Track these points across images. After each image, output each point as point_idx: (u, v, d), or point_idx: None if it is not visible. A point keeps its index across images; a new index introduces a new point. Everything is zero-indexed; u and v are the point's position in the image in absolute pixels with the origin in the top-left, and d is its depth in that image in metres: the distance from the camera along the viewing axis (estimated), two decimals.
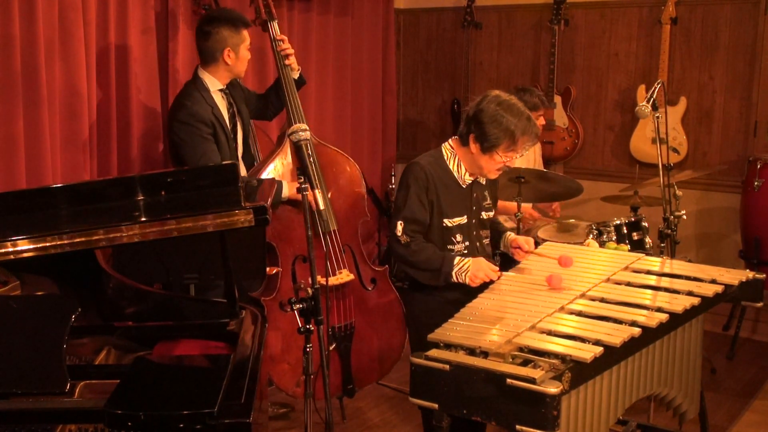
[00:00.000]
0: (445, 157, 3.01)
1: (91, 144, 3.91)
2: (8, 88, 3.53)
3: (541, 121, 4.57)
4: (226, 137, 3.52)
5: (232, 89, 3.65)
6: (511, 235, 3.19)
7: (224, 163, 3.32)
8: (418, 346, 2.51)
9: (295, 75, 3.75)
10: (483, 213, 3.09)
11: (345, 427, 3.87)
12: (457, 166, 2.99)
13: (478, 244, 3.08)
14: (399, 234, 2.96)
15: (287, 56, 3.68)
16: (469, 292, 2.88)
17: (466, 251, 3.02)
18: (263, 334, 2.39)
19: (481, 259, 2.96)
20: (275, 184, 3.13)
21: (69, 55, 3.74)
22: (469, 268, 2.90)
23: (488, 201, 3.12)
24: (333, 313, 3.58)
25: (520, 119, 2.85)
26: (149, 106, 4.18)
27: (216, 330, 2.45)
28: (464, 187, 3.01)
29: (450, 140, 3.05)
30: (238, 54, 3.54)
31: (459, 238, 3.01)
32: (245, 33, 3.56)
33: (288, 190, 3.48)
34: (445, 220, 2.98)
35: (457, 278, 2.91)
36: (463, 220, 3.01)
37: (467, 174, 3.00)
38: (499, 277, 2.94)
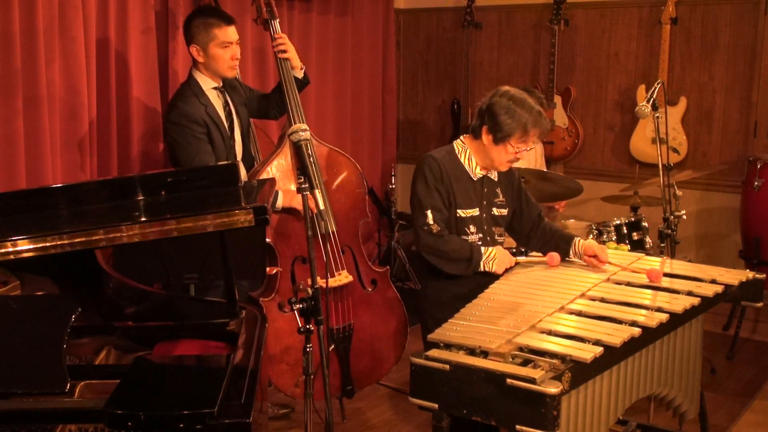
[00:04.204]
0: (457, 151, 3.09)
1: (91, 144, 3.91)
2: (8, 87, 3.54)
3: None
4: (222, 136, 3.51)
5: (231, 91, 3.64)
6: (582, 242, 3.11)
7: (224, 163, 3.32)
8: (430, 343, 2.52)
9: (299, 74, 3.72)
10: (495, 209, 3.14)
11: (345, 427, 3.87)
12: (468, 159, 3.07)
13: (489, 238, 3.12)
14: (431, 222, 2.98)
15: (282, 53, 3.65)
16: (478, 287, 2.91)
17: (480, 242, 3.08)
18: (263, 334, 2.39)
19: (500, 248, 3.07)
20: (275, 185, 3.13)
21: (69, 54, 3.74)
22: (496, 256, 3.02)
23: (501, 198, 3.15)
24: (332, 315, 3.58)
25: (531, 112, 2.94)
26: (149, 106, 4.18)
27: (216, 330, 2.45)
28: (475, 180, 3.08)
29: (461, 137, 3.13)
30: (208, 52, 3.45)
31: (473, 229, 3.07)
32: (218, 31, 3.45)
33: (283, 201, 3.47)
34: (459, 211, 3.04)
35: (484, 267, 3.01)
36: (476, 212, 3.07)
37: (478, 168, 3.08)
38: (516, 263, 3.09)
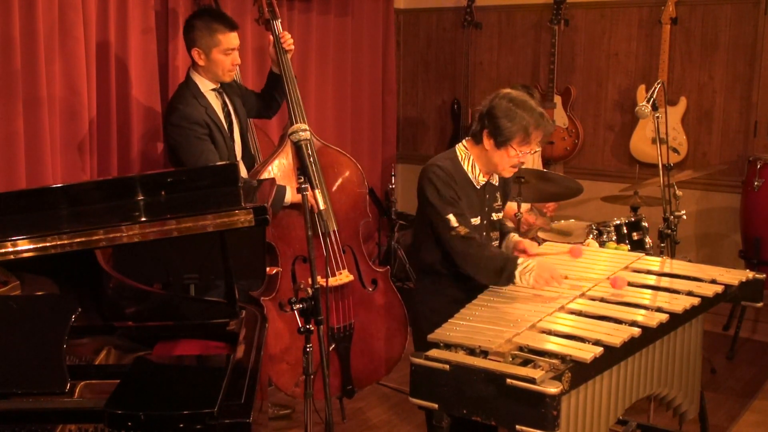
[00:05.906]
0: (460, 158, 2.96)
1: (91, 144, 3.91)
2: (8, 88, 3.53)
3: None
4: (222, 137, 3.50)
5: (226, 86, 3.62)
6: (515, 237, 3.11)
7: (224, 163, 3.32)
8: (423, 345, 2.51)
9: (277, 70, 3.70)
10: (493, 214, 3.06)
11: (345, 427, 3.87)
12: (472, 166, 2.95)
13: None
14: (456, 225, 2.82)
15: (289, 49, 3.65)
16: (475, 288, 2.87)
17: None
18: (263, 334, 2.39)
19: (547, 261, 2.88)
20: (275, 185, 3.13)
21: (69, 55, 3.74)
22: (534, 268, 2.78)
23: (498, 202, 3.08)
24: (332, 314, 3.58)
25: (532, 114, 2.83)
26: (149, 106, 4.18)
27: (216, 330, 2.45)
28: (478, 188, 2.98)
29: (463, 141, 3.01)
30: (210, 57, 3.44)
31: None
32: (222, 38, 3.43)
33: (291, 196, 3.46)
34: None
35: (521, 279, 2.79)
36: (477, 221, 2.97)
37: (481, 174, 2.97)
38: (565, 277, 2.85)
